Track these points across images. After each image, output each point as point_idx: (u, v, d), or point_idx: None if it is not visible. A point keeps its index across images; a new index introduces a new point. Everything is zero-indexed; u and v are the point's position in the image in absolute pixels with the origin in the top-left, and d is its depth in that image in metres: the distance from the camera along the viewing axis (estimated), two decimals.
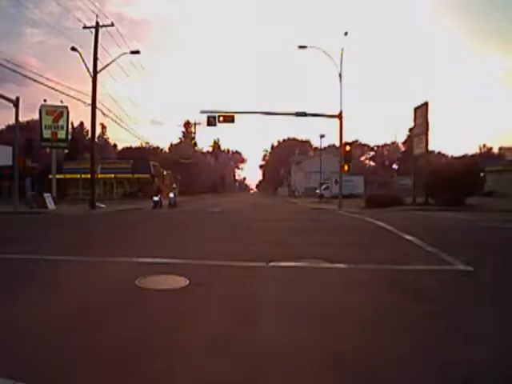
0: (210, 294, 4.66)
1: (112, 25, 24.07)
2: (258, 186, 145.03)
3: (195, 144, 69.58)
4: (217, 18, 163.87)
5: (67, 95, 47.40)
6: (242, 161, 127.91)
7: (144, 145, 62.54)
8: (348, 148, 25.60)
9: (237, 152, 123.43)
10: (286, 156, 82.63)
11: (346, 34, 25.06)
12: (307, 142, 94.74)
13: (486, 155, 66.69)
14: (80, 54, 22.87)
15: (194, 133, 68.72)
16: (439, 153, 71.83)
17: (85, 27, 23.56)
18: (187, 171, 59.99)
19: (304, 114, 26.67)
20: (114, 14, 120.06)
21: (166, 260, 6.54)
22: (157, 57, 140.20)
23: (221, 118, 25.28)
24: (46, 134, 27.64)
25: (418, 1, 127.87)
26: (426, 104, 24.93)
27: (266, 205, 33.57)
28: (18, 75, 26.62)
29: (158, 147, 71.37)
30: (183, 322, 3.67)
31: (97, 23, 23.48)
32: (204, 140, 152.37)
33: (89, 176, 25.77)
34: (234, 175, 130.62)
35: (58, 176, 31.51)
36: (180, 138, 79.39)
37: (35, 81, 23.02)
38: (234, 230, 12.67)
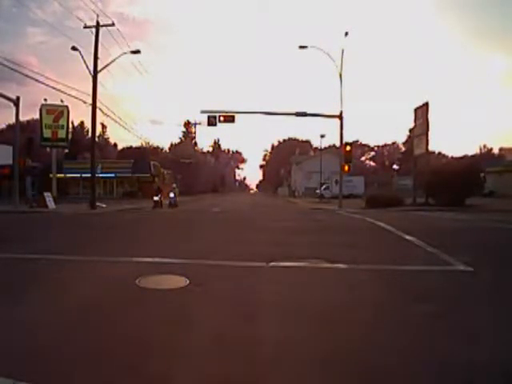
0: (210, 293, 4.66)
1: (113, 24, 24.08)
2: (258, 186, 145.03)
3: (195, 144, 69.63)
4: (217, 18, 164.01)
5: (68, 95, 47.24)
6: (242, 161, 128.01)
7: (144, 144, 62.60)
8: (348, 148, 25.60)
9: (237, 152, 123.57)
10: (286, 156, 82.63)
11: (346, 34, 25.07)
12: (307, 142, 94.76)
13: (486, 156, 66.67)
14: (80, 54, 22.89)
15: (194, 133, 68.79)
16: (439, 153, 71.86)
17: (85, 27, 23.56)
18: (187, 171, 59.99)
19: (304, 114, 26.68)
20: (117, 13, 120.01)
21: (166, 260, 6.54)
22: (157, 56, 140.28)
23: (221, 118, 25.30)
24: (47, 133, 27.64)
25: (418, 1, 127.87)
26: (426, 104, 24.94)
27: (266, 205, 33.57)
28: (19, 74, 26.62)
29: (158, 147, 71.42)
30: (183, 321, 3.67)
31: (97, 23, 23.49)
32: (204, 140, 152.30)
33: (89, 175, 25.76)
34: (234, 175, 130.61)
35: (58, 175, 31.54)
36: (180, 138, 79.48)
37: (36, 80, 23.02)
38: (234, 229, 12.67)
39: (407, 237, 9.61)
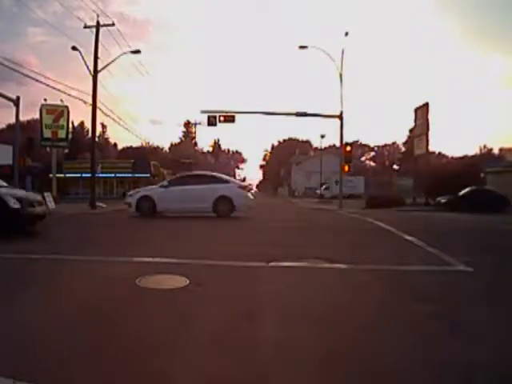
0: (210, 293, 4.66)
1: (113, 24, 24.08)
2: (258, 186, 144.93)
3: (195, 144, 69.65)
4: (217, 18, 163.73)
5: (68, 95, 47.27)
6: (242, 161, 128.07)
7: (144, 144, 62.64)
8: (348, 148, 25.62)
9: (237, 152, 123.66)
10: (287, 156, 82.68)
11: (346, 34, 25.12)
12: (307, 142, 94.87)
13: (486, 156, 66.56)
14: (80, 54, 22.89)
15: (194, 133, 68.79)
16: (440, 153, 71.89)
17: (85, 26, 23.56)
18: (187, 171, 59.97)
19: (304, 114, 26.71)
20: (117, 13, 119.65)
21: (166, 260, 6.53)
22: (158, 56, 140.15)
23: (221, 118, 25.34)
24: (47, 133, 27.61)
25: (418, 1, 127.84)
26: (426, 104, 25.00)
27: (266, 205, 33.54)
28: (19, 74, 26.62)
29: (158, 147, 71.48)
30: (183, 321, 3.67)
31: (97, 22, 23.49)
32: (204, 140, 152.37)
33: (89, 175, 25.77)
34: (234, 175, 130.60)
35: (58, 175, 31.52)
36: (180, 138, 79.56)
37: (36, 80, 23.04)
38: (234, 229, 12.67)
39: (407, 237, 9.61)
